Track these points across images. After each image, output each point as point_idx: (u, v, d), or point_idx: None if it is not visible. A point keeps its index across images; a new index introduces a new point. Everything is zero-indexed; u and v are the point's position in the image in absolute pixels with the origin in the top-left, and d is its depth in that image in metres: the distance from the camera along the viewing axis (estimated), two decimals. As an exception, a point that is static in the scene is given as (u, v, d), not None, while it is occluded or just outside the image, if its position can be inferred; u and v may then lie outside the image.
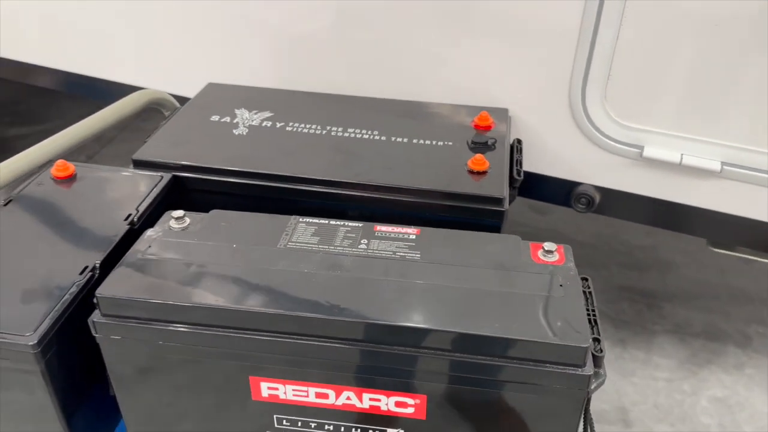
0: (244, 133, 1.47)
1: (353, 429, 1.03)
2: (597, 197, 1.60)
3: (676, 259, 2.96)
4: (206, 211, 1.19)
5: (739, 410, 2.29)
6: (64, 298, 1.02)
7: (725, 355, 2.48)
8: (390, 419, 1.01)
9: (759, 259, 1.77)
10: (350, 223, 1.13)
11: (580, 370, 0.91)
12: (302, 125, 1.50)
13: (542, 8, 1.47)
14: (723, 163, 1.45)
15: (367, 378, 0.97)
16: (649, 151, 1.49)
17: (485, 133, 1.46)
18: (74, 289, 1.04)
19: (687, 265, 2.92)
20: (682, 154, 1.47)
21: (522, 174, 1.38)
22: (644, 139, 1.49)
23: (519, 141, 1.50)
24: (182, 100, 1.78)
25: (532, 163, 1.62)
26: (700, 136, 1.46)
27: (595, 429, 1.06)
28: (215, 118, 1.53)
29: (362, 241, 1.09)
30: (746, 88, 1.38)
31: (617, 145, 1.52)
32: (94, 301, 1.00)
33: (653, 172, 1.52)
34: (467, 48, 1.59)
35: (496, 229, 1.27)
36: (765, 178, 1.43)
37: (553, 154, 1.60)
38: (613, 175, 1.56)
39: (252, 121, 1.51)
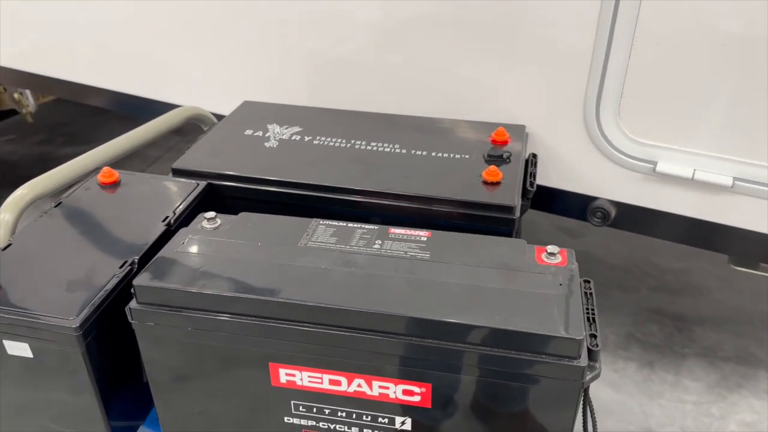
0: (275, 146, 1.57)
1: (364, 416, 1.10)
2: (612, 211, 1.65)
3: (709, 283, 2.95)
4: (236, 213, 1.29)
5: (769, 436, 2.27)
6: (105, 288, 1.13)
7: (756, 380, 2.46)
8: (398, 407, 1.07)
9: (781, 277, 1.78)
10: (366, 226, 1.22)
11: (575, 361, 0.96)
12: (328, 139, 1.60)
13: (557, 30, 1.55)
14: (735, 179, 1.49)
15: (377, 366, 1.04)
16: (662, 167, 1.54)
17: (501, 148, 1.53)
18: (114, 281, 1.15)
19: (720, 290, 2.91)
20: (694, 170, 1.51)
21: (535, 186, 1.44)
22: (657, 154, 1.54)
23: (534, 155, 1.57)
24: (221, 118, 1.90)
25: (549, 178, 1.68)
26: (712, 152, 1.50)
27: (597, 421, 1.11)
28: (249, 132, 1.64)
29: (377, 242, 1.17)
30: (756, 104, 1.43)
31: (631, 160, 1.57)
32: (132, 290, 1.10)
33: (666, 186, 1.56)
34: (487, 68, 1.67)
35: (507, 236, 1.33)
36: (776, 193, 1.46)
37: (570, 169, 1.66)
38: (628, 189, 1.61)
39: (282, 135, 1.62)
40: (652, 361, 2.49)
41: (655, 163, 1.55)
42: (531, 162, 1.54)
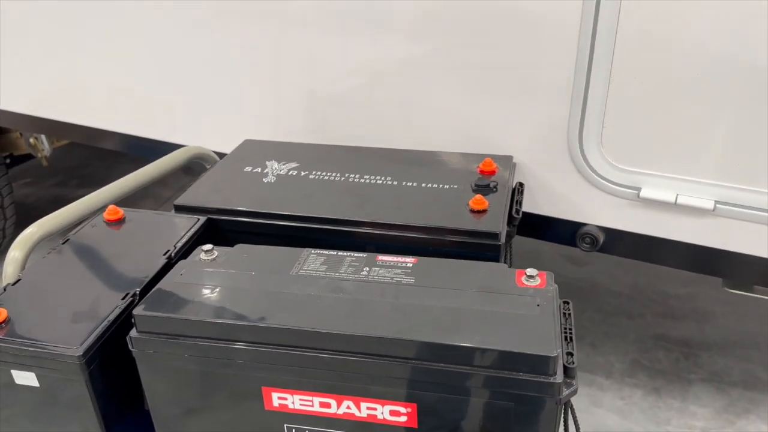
0: (272, 181, 1.64)
1: (354, 438, 1.14)
2: (601, 237, 1.70)
3: (714, 308, 2.95)
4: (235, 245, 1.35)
5: (777, 462, 2.25)
6: (107, 318, 1.19)
7: (764, 405, 2.45)
8: (386, 428, 1.11)
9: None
10: (355, 254, 1.28)
11: (551, 378, 1.01)
12: (324, 173, 1.67)
13: (540, 66, 1.62)
14: (716, 202, 1.54)
15: (364, 387, 1.09)
16: (646, 192, 1.59)
17: (489, 178, 1.59)
18: (116, 311, 1.21)
19: (725, 315, 2.91)
20: (677, 194, 1.56)
21: (520, 213, 1.50)
22: (641, 180, 1.60)
23: (521, 184, 1.62)
24: (224, 156, 1.99)
25: (538, 206, 1.74)
26: (693, 177, 1.55)
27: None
28: (248, 168, 1.72)
29: (365, 269, 1.23)
30: (734, 129, 1.48)
31: (616, 186, 1.62)
32: (132, 320, 1.16)
33: (651, 211, 1.61)
34: (475, 102, 1.75)
35: (493, 262, 1.38)
36: (756, 215, 1.50)
37: (557, 197, 1.71)
38: (614, 215, 1.66)
39: (280, 170, 1.69)
40: (659, 387, 2.49)
41: (639, 189, 1.60)
42: (518, 190, 1.59)
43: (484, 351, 1.02)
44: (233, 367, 1.13)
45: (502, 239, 1.38)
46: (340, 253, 1.28)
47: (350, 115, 1.94)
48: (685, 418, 2.39)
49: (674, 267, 1.70)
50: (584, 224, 1.71)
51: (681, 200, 1.55)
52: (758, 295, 1.84)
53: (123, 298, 1.24)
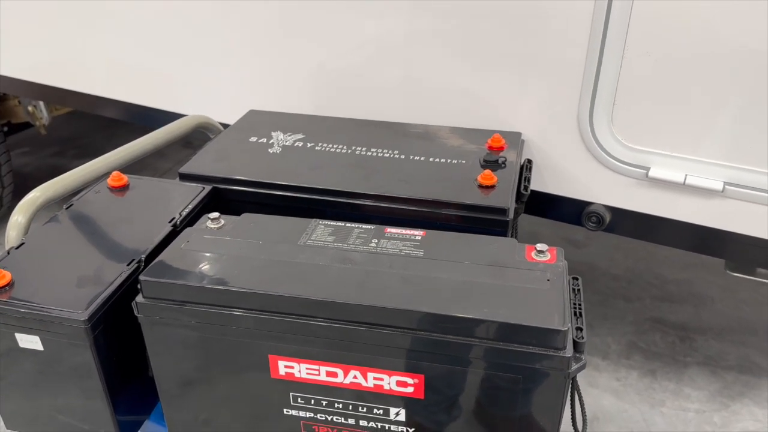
0: (278, 152, 1.63)
1: (360, 407, 1.14)
2: (607, 216, 1.69)
3: (712, 293, 2.97)
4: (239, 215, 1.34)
5: (772, 446, 2.27)
6: (113, 284, 1.18)
7: (758, 389, 2.47)
8: (393, 399, 1.11)
9: (777, 283, 1.80)
10: (363, 226, 1.27)
11: (561, 352, 1.00)
12: (330, 145, 1.65)
13: (551, 42, 1.60)
14: (725, 183, 1.53)
15: (371, 357, 1.08)
16: (655, 172, 1.58)
17: (497, 153, 1.58)
18: (121, 277, 1.20)
19: (722, 300, 2.92)
20: (686, 174, 1.55)
21: (529, 190, 1.48)
22: (650, 160, 1.59)
23: (529, 161, 1.61)
24: (228, 126, 1.96)
25: (545, 184, 1.73)
26: (703, 157, 1.54)
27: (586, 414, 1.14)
28: (253, 139, 1.70)
29: (373, 240, 1.22)
30: (746, 109, 1.47)
31: (624, 166, 1.61)
32: (138, 285, 1.15)
33: (659, 191, 1.60)
34: (484, 78, 1.73)
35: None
36: (766, 197, 1.50)
37: (565, 175, 1.70)
38: (622, 194, 1.65)
39: (286, 141, 1.67)
40: (654, 369, 2.51)
41: (647, 169, 1.59)
42: (526, 167, 1.58)
43: (492, 323, 1.01)
44: (239, 334, 1.12)
45: (511, 215, 1.37)
46: (348, 224, 1.27)
47: (357, 88, 1.91)
48: (679, 400, 2.41)
49: (679, 248, 1.70)
50: (591, 203, 1.70)
51: (690, 180, 1.55)
52: (760, 279, 1.84)
53: (128, 264, 1.23)
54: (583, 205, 1.71)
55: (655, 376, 2.51)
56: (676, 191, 1.59)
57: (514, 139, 1.66)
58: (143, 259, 1.25)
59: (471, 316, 1.02)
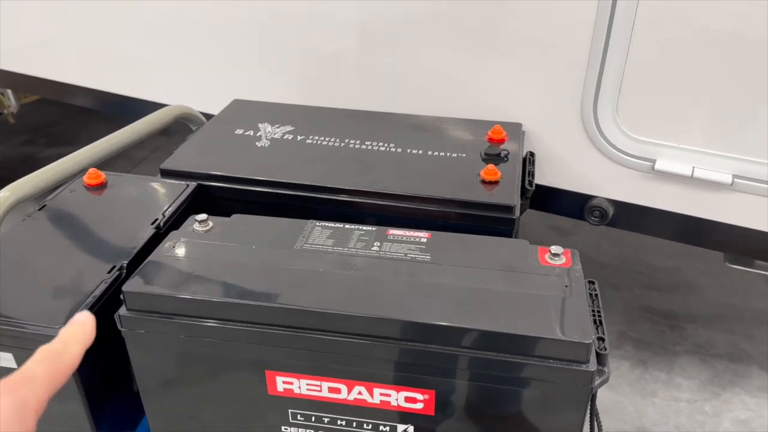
0: (266, 145, 1.53)
1: (365, 425, 1.06)
2: (610, 210, 1.63)
3: (700, 281, 2.95)
4: (228, 215, 1.24)
5: (763, 433, 2.26)
6: (93, 294, 1.08)
7: (749, 377, 2.45)
8: (400, 415, 1.04)
9: (777, 275, 1.77)
10: (364, 227, 1.18)
11: (583, 366, 0.93)
12: (321, 138, 1.56)
13: (554, 26, 1.52)
14: (734, 176, 1.47)
15: (378, 373, 1.01)
16: (661, 164, 1.52)
17: (498, 146, 1.50)
18: (102, 286, 1.10)
19: (710, 287, 2.91)
20: (693, 167, 1.49)
21: (534, 185, 1.41)
22: (656, 152, 1.52)
23: (532, 154, 1.54)
24: (210, 117, 1.86)
25: (545, 177, 1.66)
26: (712, 149, 1.48)
27: (602, 427, 1.08)
28: (239, 131, 1.60)
29: (375, 244, 1.14)
30: (757, 100, 1.41)
31: (629, 158, 1.55)
32: (121, 296, 1.05)
33: (665, 184, 1.54)
34: (483, 66, 1.65)
35: (506, 236, 1.30)
36: (776, 190, 1.45)
37: (567, 167, 1.63)
38: (626, 188, 1.59)
39: (274, 134, 1.58)
40: (645, 359, 2.48)
41: (653, 161, 1.53)
42: (529, 160, 1.51)
43: (510, 336, 0.94)
44: (233, 349, 1.04)
45: (517, 213, 1.30)
46: (348, 225, 1.19)
47: (346, 76, 1.82)
48: (671, 390, 2.39)
49: (685, 243, 1.64)
50: (593, 197, 1.63)
51: (698, 173, 1.49)
52: (758, 271, 1.81)
53: (109, 272, 1.13)
54: (586, 198, 1.64)
55: (647, 366, 2.48)
56: (682, 184, 1.53)
57: (515, 130, 1.58)
58: (125, 265, 1.15)
59: (487, 329, 0.94)
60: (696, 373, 2.46)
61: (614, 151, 1.55)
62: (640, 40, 1.43)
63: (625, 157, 1.55)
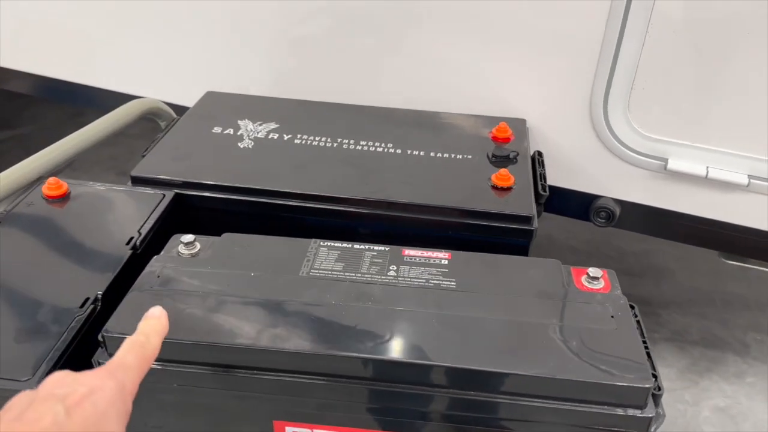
0: (250, 146, 1.37)
1: (386, 476, 0.94)
2: (617, 211, 1.54)
3: (670, 265, 2.93)
4: (212, 230, 1.09)
5: (742, 420, 2.26)
6: (64, 336, 0.92)
7: (725, 364, 2.45)
8: (428, 465, 0.92)
9: (776, 271, 1.73)
10: (376, 247, 1.05)
11: (640, 411, 0.84)
12: (311, 137, 1.40)
13: (564, 14, 1.40)
14: (750, 177, 1.40)
15: (408, 423, 0.89)
16: (674, 164, 1.43)
17: (504, 146, 1.38)
18: (75, 325, 0.94)
19: (681, 271, 2.89)
20: (707, 167, 1.41)
21: (547, 189, 1.30)
22: (668, 151, 1.43)
23: (540, 153, 1.42)
24: (175, 108, 1.67)
25: (550, 175, 1.54)
26: (727, 149, 1.40)
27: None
28: (217, 129, 1.43)
29: (391, 267, 1.01)
30: (776, 98, 1.33)
31: (640, 157, 1.46)
32: (100, 338, 0.89)
33: (676, 185, 1.46)
34: (483, 55, 1.51)
35: (523, 248, 1.19)
36: (794, 191, 1.38)
37: (573, 166, 1.53)
38: (636, 188, 1.50)
39: (257, 133, 1.41)
40: (624, 349, 2.45)
41: (665, 161, 1.44)
42: (538, 161, 1.39)
43: (561, 381, 0.83)
44: (236, 398, 0.90)
45: (535, 223, 1.19)
46: (356, 245, 1.05)
47: (331, 64, 1.65)
48: (651, 379, 2.35)
49: (697, 245, 1.57)
50: (600, 197, 1.54)
51: (712, 174, 1.41)
52: (751, 266, 1.77)
53: (81, 306, 0.97)
54: (592, 198, 1.55)
55: (626, 356, 2.44)
56: (695, 185, 1.44)
57: (520, 127, 1.46)
58: (100, 297, 0.99)
59: (534, 374, 0.83)
60: (674, 361, 2.44)
61: (624, 149, 1.45)
62: (658, 30, 1.33)
63: (635, 156, 1.45)
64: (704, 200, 1.45)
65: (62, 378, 0.58)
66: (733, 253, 1.55)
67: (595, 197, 1.54)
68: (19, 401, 0.55)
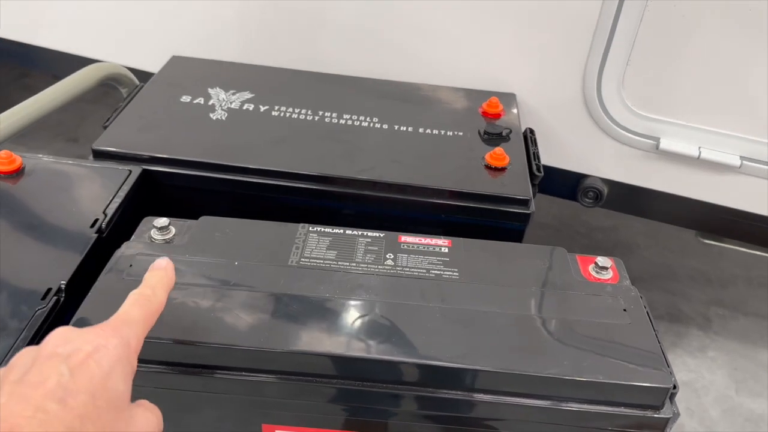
0: (223, 118, 1.26)
1: (382, 479, 0.88)
2: (605, 191, 1.49)
3: (638, 240, 2.93)
4: (183, 211, 0.99)
5: (705, 394, 2.28)
6: (24, 333, 0.82)
7: (688, 338, 2.47)
8: (427, 468, 0.86)
9: (754, 251, 1.72)
10: (370, 233, 0.97)
11: (657, 412, 0.79)
12: (289, 109, 1.30)
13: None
14: (742, 158, 1.37)
15: (404, 424, 0.82)
16: (666, 144, 1.38)
17: (495, 122, 1.31)
18: (36, 320, 0.84)
19: (648, 247, 2.90)
20: (700, 148, 1.37)
21: (542, 170, 1.24)
22: (661, 130, 1.39)
23: (532, 131, 1.35)
24: (137, 74, 1.54)
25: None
26: (721, 129, 1.36)
27: None
28: (186, 98, 1.31)
29: (387, 256, 0.93)
30: (772, 78, 1.29)
31: (632, 136, 1.40)
32: (65, 337, 0.79)
33: (668, 165, 1.42)
34: (470, 25, 1.43)
35: (519, 232, 1.14)
36: (787, 174, 1.35)
37: (562, 144, 1.47)
38: (626, 167, 1.45)
39: (230, 103, 1.30)
40: (592, 324, 2.44)
41: (658, 140, 1.39)
42: (530, 139, 1.32)
43: (576, 382, 0.77)
44: (221, 402, 0.81)
45: (532, 206, 1.12)
46: (348, 231, 0.97)
47: (305, 29, 1.54)
48: (617, 354, 2.36)
49: (686, 227, 1.54)
50: (588, 176, 1.49)
51: (705, 154, 1.37)
52: (729, 245, 1.76)
53: (44, 297, 0.87)
54: (580, 178, 1.49)
55: (594, 331, 2.44)
56: (688, 165, 1.40)
57: (509, 102, 1.39)
58: (63, 287, 0.89)
59: (550, 375, 0.77)
60: (640, 336, 2.45)
61: (616, 127, 1.40)
62: (657, 4, 1.27)
63: (627, 134, 1.40)
64: (695, 181, 1.42)
65: (66, 334, 0.54)
66: (713, 233, 1.52)
67: (583, 176, 1.49)
68: (21, 360, 0.51)
